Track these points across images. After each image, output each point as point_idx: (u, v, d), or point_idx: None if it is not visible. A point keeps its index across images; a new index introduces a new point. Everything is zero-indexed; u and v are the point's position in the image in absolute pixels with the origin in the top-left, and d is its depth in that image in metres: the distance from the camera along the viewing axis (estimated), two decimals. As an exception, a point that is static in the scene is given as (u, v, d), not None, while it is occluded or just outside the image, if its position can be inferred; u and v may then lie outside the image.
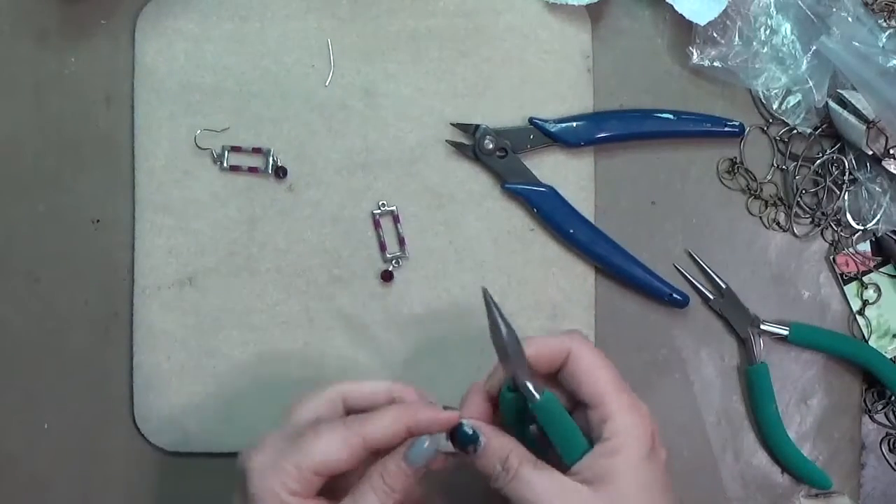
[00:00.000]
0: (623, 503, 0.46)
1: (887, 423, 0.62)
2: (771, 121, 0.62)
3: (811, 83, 0.59)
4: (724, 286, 0.61)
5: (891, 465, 0.62)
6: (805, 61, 0.59)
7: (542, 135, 0.60)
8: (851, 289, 0.61)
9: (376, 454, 0.48)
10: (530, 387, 0.47)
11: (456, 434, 0.48)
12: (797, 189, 0.61)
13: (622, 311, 0.61)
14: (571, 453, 0.47)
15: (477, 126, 0.60)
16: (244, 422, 0.60)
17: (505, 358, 0.47)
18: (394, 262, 0.60)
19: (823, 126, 0.61)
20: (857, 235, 0.61)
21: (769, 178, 0.62)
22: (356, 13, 0.61)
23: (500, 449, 0.47)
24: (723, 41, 0.59)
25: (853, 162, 0.61)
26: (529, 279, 0.61)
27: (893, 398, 0.61)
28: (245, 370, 0.60)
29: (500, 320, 0.46)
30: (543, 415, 0.47)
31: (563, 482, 0.46)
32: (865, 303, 0.61)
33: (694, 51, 0.60)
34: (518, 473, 0.46)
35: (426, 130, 0.61)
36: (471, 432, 0.47)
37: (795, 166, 0.61)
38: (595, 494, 0.46)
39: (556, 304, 0.60)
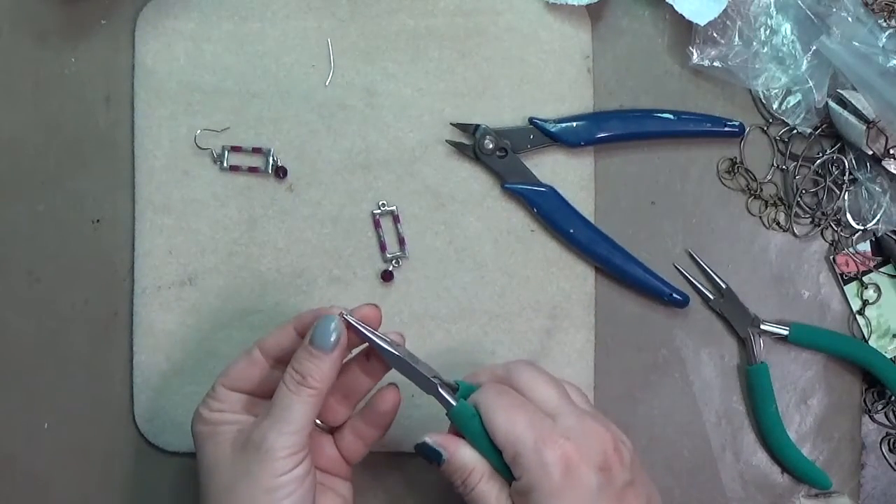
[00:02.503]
0: None
1: (887, 423, 0.62)
2: (771, 121, 0.62)
3: (811, 83, 0.59)
4: (724, 286, 0.61)
5: (891, 465, 0.62)
6: (805, 61, 0.59)
7: (542, 135, 0.60)
8: (851, 289, 0.61)
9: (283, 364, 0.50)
10: (444, 393, 0.49)
11: (421, 449, 0.50)
12: (797, 189, 0.61)
13: (622, 311, 0.61)
14: (503, 468, 0.49)
15: (477, 126, 0.60)
16: (244, 422, 0.60)
17: (411, 371, 0.50)
18: (394, 262, 0.60)
19: (823, 126, 0.61)
20: (857, 235, 0.61)
21: (769, 178, 0.62)
22: (356, 13, 0.61)
23: (461, 466, 0.49)
24: (723, 41, 0.59)
25: (853, 162, 0.61)
26: (529, 279, 0.61)
27: (893, 398, 0.61)
28: (245, 370, 0.60)
29: (379, 341, 0.50)
30: (460, 423, 0.49)
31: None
32: (865, 303, 0.61)
33: (694, 51, 0.60)
34: (476, 489, 0.49)
35: (426, 130, 0.61)
36: (435, 449, 0.49)
37: (795, 166, 0.61)
38: None
39: (556, 304, 0.60)
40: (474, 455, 0.49)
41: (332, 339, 0.49)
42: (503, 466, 0.48)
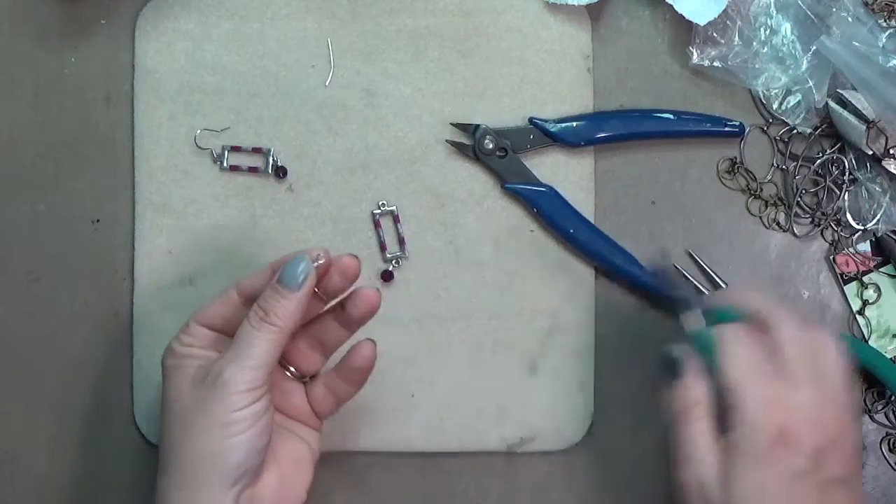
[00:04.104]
0: None
1: (887, 423, 0.62)
2: (771, 121, 0.62)
3: (811, 83, 0.59)
4: (724, 286, 0.61)
5: (891, 465, 0.61)
6: (805, 61, 0.59)
7: (542, 135, 0.60)
8: (851, 289, 0.61)
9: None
10: (693, 314, 0.51)
11: (665, 357, 0.50)
12: (797, 189, 0.61)
13: (622, 311, 0.61)
14: None
15: (477, 126, 0.60)
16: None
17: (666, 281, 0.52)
18: (394, 262, 0.60)
19: (823, 126, 0.61)
20: (857, 235, 0.61)
21: (769, 178, 0.62)
22: (356, 13, 0.61)
23: (692, 395, 0.49)
24: (723, 41, 0.59)
25: (853, 162, 0.61)
26: (529, 279, 0.61)
27: (893, 398, 0.61)
28: (245, 370, 0.60)
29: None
30: (698, 347, 0.50)
31: (706, 456, 0.48)
32: (865, 303, 0.61)
33: (694, 51, 0.60)
34: (693, 425, 0.48)
35: (426, 130, 0.61)
36: (680, 364, 0.50)
37: (795, 166, 0.61)
38: (720, 479, 0.47)
39: (556, 305, 0.60)
40: (703, 387, 0.49)
41: (300, 277, 0.49)
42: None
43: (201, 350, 0.51)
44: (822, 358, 0.49)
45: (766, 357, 0.48)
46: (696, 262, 0.61)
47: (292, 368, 0.54)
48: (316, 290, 0.51)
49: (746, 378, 0.48)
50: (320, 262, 0.50)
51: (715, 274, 0.61)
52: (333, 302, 0.53)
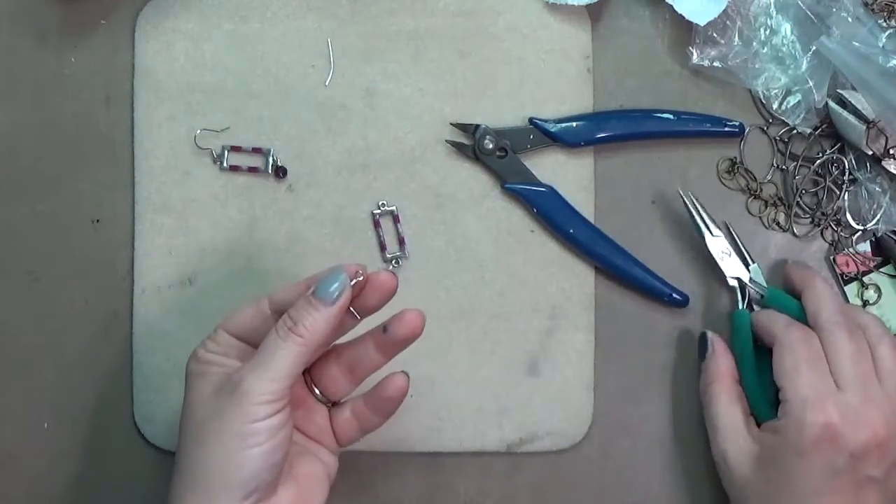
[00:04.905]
0: (768, 488, 0.51)
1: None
2: (771, 121, 0.62)
3: (811, 83, 0.59)
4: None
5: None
6: (805, 61, 0.59)
7: (542, 135, 0.60)
8: (851, 289, 0.61)
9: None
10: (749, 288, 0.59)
11: (701, 339, 0.59)
12: (797, 189, 0.61)
13: (622, 311, 0.61)
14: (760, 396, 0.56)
15: (477, 126, 0.60)
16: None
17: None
18: (394, 262, 0.60)
19: (823, 126, 0.61)
20: (857, 235, 0.61)
21: (769, 178, 0.62)
22: (356, 13, 0.61)
23: (714, 370, 0.56)
24: (723, 41, 0.59)
25: (853, 162, 0.61)
26: (529, 279, 0.61)
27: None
28: (245, 370, 0.60)
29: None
30: (735, 325, 0.58)
31: (740, 433, 0.54)
32: (865, 303, 0.61)
33: (694, 51, 0.60)
34: (712, 394, 0.56)
35: (426, 130, 0.61)
36: (708, 343, 0.58)
37: (795, 166, 0.61)
38: (756, 462, 0.53)
39: (556, 304, 0.60)
40: (730, 367, 0.56)
41: (335, 293, 0.47)
42: (761, 394, 0.55)
43: (226, 358, 0.49)
44: (876, 361, 0.52)
45: (822, 357, 0.52)
46: (696, 261, 0.61)
47: (318, 391, 0.53)
48: (350, 308, 0.49)
49: (799, 372, 0.51)
50: (359, 279, 0.48)
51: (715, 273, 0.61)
52: (366, 321, 0.52)
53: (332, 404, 0.53)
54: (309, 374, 0.53)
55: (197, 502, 0.46)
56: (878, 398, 0.51)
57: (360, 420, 0.53)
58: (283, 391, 0.46)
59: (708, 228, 0.59)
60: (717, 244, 0.59)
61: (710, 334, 0.58)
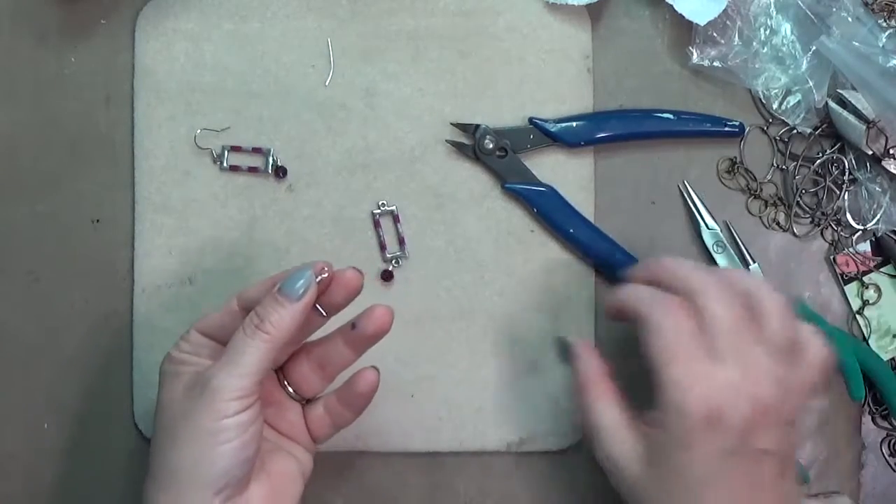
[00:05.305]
0: (661, 485, 0.48)
1: (888, 425, 0.61)
2: (771, 121, 0.62)
3: (811, 83, 0.59)
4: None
5: (891, 466, 0.61)
6: (805, 61, 0.59)
7: (542, 135, 0.60)
8: (851, 289, 0.61)
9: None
10: None
11: (561, 343, 0.59)
12: (797, 189, 0.61)
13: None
14: None
15: (477, 126, 0.60)
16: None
17: None
18: (394, 262, 0.60)
19: (823, 126, 0.61)
20: (857, 235, 0.61)
21: (769, 178, 0.62)
22: (356, 13, 0.61)
23: (583, 376, 0.53)
24: (723, 41, 0.59)
25: (853, 162, 0.61)
26: (529, 279, 0.61)
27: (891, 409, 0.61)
28: (245, 370, 0.60)
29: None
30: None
31: (622, 434, 0.50)
32: (865, 303, 0.61)
33: (694, 51, 0.60)
34: (591, 409, 0.52)
35: (426, 130, 0.61)
36: (570, 350, 0.56)
37: (795, 166, 0.61)
38: (644, 460, 0.49)
39: (556, 304, 0.60)
40: (598, 368, 0.53)
41: (300, 289, 0.48)
42: None
43: (197, 358, 0.50)
44: (757, 326, 0.47)
45: (694, 332, 0.47)
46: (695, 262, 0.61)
47: (290, 389, 0.53)
48: (317, 305, 0.50)
49: (671, 354, 0.47)
50: (324, 276, 0.49)
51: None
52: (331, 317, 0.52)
53: (306, 401, 0.54)
54: (281, 371, 0.54)
55: (170, 500, 0.47)
56: (760, 364, 0.47)
57: (333, 416, 0.53)
58: (251, 387, 0.47)
59: (704, 221, 0.60)
60: (712, 237, 0.60)
61: (568, 339, 0.57)
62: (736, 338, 0.47)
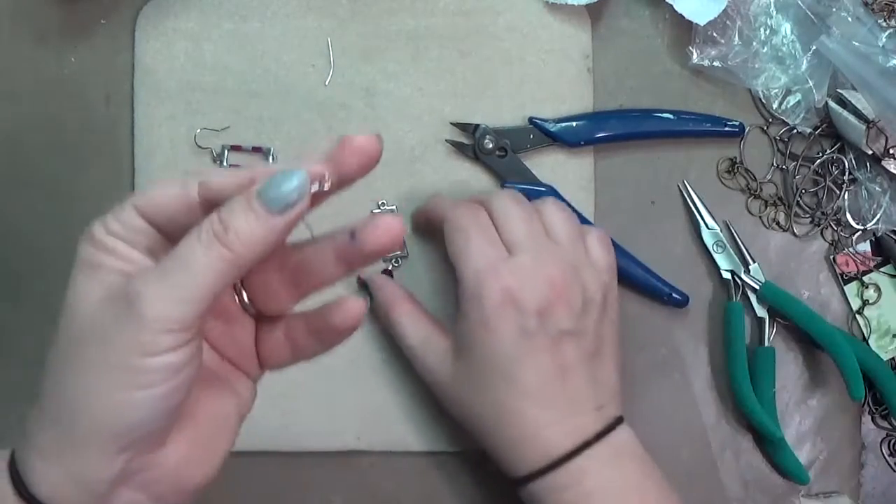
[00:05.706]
0: (472, 373, 0.51)
1: (888, 425, 0.61)
2: (771, 121, 0.62)
3: (811, 83, 0.59)
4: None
5: (891, 466, 0.61)
6: (805, 61, 0.59)
7: (542, 134, 0.60)
8: (851, 289, 0.61)
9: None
10: None
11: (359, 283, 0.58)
12: (797, 189, 0.61)
13: (622, 311, 0.61)
14: None
15: (477, 126, 0.60)
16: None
17: None
18: (394, 261, 0.60)
19: (823, 126, 0.61)
20: (857, 235, 0.61)
21: (769, 177, 0.62)
22: (356, 13, 0.61)
23: (386, 299, 0.56)
24: (723, 41, 0.59)
25: (853, 162, 0.61)
26: (529, 279, 0.61)
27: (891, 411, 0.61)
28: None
29: None
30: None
31: (431, 338, 0.54)
32: (865, 303, 0.61)
33: (694, 51, 0.60)
34: (399, 323, 0.55)
35: (426, 130, 0.61)
36: (367, 285, 0.58)
37: (795, 166, 0.61)
38: (454, 355, 0.52)
39: (555, 304, 0.60)
40: (400, 292, 0.56)
41: (288, 198, 0.34)
42: (749, 388, 0.56)
43: (130, 249, 0.37)
44: (544, 220, 0.52)
45: (491, 231, 0.51)
46: (696, 262, 0.61)
47: (246, 299, 0.40)
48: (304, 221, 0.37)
49: (469, 246, 0.51)
50: (325, 186, 0.36)
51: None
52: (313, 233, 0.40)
53: (262, 318, 0.41)
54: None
55: (57, 448, 0.36)
56: (551, 253, 0.50)
57: (294, 344, 0.41)
58: (193, 319, 0.34)
59: (704, 221, 0.60)
60: (712, 237, 0.60)
61: (365, 276, 0.58)
62: (528, 234, 0.51)
